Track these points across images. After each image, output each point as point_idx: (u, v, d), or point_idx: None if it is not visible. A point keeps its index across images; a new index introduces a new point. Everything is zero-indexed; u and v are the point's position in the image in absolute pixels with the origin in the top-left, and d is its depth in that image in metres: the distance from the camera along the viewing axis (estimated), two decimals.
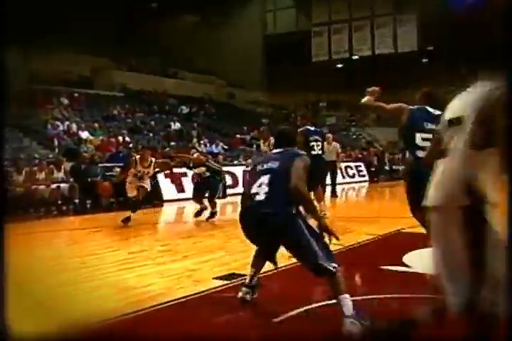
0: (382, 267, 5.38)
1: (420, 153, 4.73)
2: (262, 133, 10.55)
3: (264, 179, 4.05)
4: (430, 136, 4.68)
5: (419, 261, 5.65)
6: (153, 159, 10.16)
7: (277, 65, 32.60)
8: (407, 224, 8.52)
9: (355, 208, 13.52)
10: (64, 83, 24.26)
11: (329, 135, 14.44)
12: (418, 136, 4.82)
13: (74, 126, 18.85)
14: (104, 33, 27.67)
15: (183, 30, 33.25)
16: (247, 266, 4.60)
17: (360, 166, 22.16)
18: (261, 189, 4.03)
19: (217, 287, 4.64)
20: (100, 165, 13.98)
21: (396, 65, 30.96)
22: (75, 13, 25.46)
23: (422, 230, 7.65)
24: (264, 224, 3.93)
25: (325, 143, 9.27)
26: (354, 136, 32.58)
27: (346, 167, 20.93)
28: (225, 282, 4.61)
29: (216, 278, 4.83)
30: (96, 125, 19.69)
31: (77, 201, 12.49)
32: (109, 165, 14.12)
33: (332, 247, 5.24)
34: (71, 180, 12.79)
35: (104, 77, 27.25)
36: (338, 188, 16.19)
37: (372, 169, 22.74)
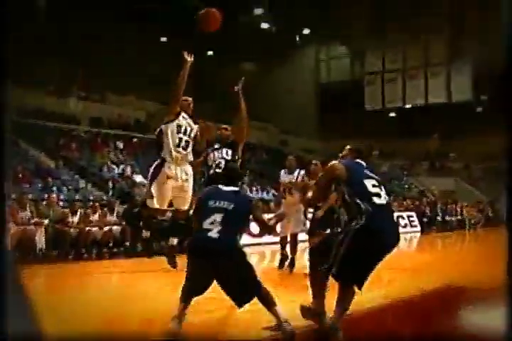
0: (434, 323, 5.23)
1: (377, 200, 4.40)
2: (289, 163, 9.91)
3: (217, 217, 4.40)
4: (376, 182, 4.53)
5: (478, 318, 5.48)
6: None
7: (330, 112, 32.80)
8: (455, 277, 8.30)
9: (406, 259, 13.22)
10: (121, 127, 24.94)
11: None
12: (368, 183, 4.47)
13: (129, 170, 19.24)
14: (161, 79, 28.46)
15: (238, 78, 33.89)
16: (295, 316, 4.56)
17: (412, 216, 21.77)
18: (213, 226, 4.38)
19: (265, 338, 4.56)
20: None
21: (450, 114, 30.74)
22: (132, 59, 26.48)
23: (475, 285, 7.46)
24: (213, 260, 4.32)
25: None
26: (406, 185, 32.20)
27: (398, 217, 20.57)
28: (274, 333, 4.53)
29: (265, 328, 4.75)
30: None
31: (127, 244, 12.61)
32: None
33: (379, 301, 5.15)
34: (123, 223, 12.95)
35: (160, 122, 27.78)
36: None
37: (425, 219, 22.33)
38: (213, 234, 4.36)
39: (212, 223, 4.39)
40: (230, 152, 7.35)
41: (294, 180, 9.22)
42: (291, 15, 31.53)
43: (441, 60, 31.00)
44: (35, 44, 21.41)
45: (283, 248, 9.31)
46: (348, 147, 4.95)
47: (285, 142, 33.82)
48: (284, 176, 9.49)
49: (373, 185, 4.48)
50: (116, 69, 26.38)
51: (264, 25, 32.72)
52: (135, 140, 23.44)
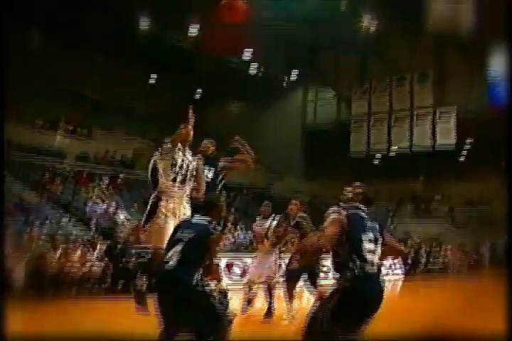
0: None
1: (369, 266, 4.30)
2: (263, 209, 9.72)
3: (178, 248, 4.47)
4: (373, 235, 4.43)
5: None
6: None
7: (316, 154, 32.91)
8: (439, 322, 8.17)
9: (389, 303, 13.08)
10: (107, 164, 24.85)
11: None
12: (365, 239, 4.36)
13: (112, 207, 19.04)
14: (149, 118, 28.68)
15: (224, 118, 34.19)
16: None
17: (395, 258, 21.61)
18: (173, 257, 4.45)
19: None
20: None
21: (435, 157, 30.93)
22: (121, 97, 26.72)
23: (459, 330, 7.36)
24: (172, 292, 4.31)
25: None
26: (391, 227, 32.08)
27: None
28: None
29: None
30: (134, 208, 19.77)
31: (109, 281, 12.42)
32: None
33: None
34: (105, 259, 12.79)
35: (146, 160, 27.67)
36: None
37: (409, 261, 22.21)
38: (170, 265, 4.42)
39: (173, 254, 4.47)
40: (211, 172, 6.89)
41: (267, 228, 9.06)
42: (279, 60, 32.15)
43: (426, 104, 31.35)
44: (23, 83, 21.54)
45: (246, 293, 9.14)
46: (358, 191, 4.89)
47: (271, 182, 33.79)
48: (258, 223, 9.36)
49: (370, 240, 4.37)
50: (104, 106, 26.57)
51: (252, 70, 33.01)
52: (121, 176, 23.26)
